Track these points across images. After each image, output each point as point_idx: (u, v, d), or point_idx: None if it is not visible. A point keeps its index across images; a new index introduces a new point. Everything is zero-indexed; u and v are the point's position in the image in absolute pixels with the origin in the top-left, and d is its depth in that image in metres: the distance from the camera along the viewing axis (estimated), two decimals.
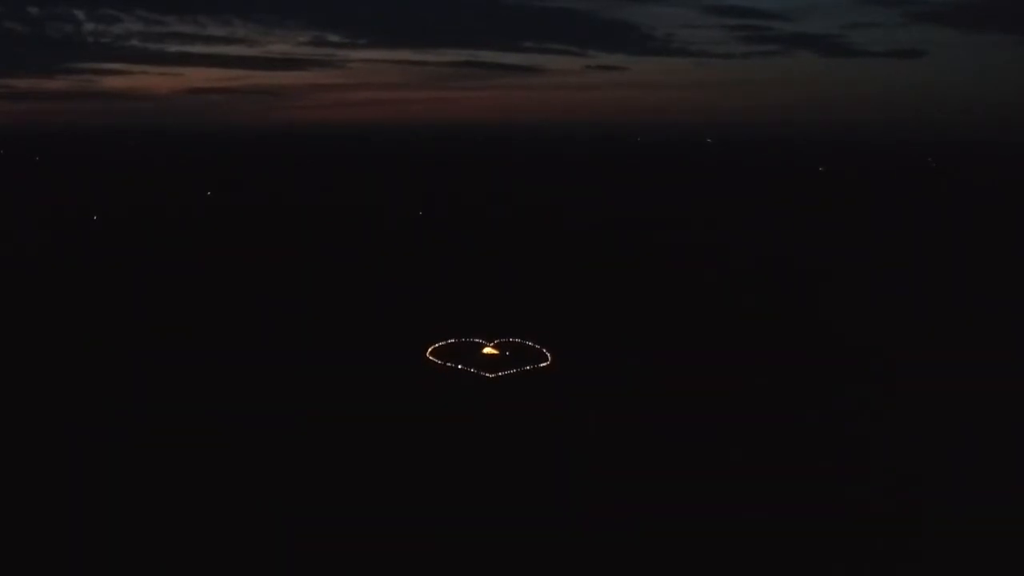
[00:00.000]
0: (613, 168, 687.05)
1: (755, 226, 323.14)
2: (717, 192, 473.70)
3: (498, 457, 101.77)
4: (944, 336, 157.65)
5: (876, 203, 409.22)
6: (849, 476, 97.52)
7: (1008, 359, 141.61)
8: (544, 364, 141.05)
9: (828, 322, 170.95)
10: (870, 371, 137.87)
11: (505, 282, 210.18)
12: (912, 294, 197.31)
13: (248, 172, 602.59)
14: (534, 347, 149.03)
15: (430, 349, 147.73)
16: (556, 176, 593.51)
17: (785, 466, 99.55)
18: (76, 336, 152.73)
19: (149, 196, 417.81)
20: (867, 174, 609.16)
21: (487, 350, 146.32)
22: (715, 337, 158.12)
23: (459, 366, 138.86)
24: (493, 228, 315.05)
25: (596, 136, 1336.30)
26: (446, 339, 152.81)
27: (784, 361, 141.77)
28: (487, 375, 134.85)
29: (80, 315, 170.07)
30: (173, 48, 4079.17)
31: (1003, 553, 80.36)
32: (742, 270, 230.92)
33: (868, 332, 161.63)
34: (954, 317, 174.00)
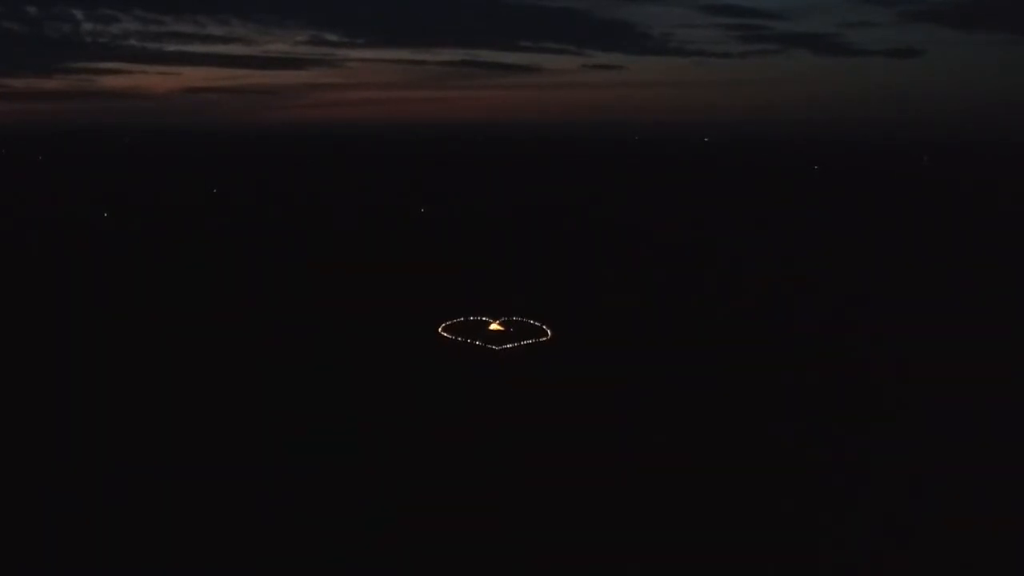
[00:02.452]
0: (610, 166, 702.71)
1: (746, 223, 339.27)
2: (712, 190, 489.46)
3: (503, 416, 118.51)
4: (940, 335, 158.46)
5: (865, 200, 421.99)
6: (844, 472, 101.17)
7: (1007, 358, 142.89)
8: (544, 339, 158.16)
9: (816, 314, 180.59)
10: (862, 366, 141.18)
11: (507, 270, 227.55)
12: (905, 292, 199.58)
13: (249, 171, 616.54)
14: (535, 324, 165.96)
15: (442, 326, 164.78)
16: (554, 174, 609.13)
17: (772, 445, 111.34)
18: (104, 329, 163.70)
19: (156, 194, 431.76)
20: (861, 173, 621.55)
21: (493, 326, 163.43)
22: (703, 323, 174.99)
23: (468, 340, 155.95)
24: (494, 223, 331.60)
25: (594, 134, 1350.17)
26: (456, 318, 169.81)
27: (770, 350, 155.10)
28: (493, 348, 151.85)
29: (109, 309, 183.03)
30: (171, 47, 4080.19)
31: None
32: (735, 266, 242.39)
33: (861, 328, 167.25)
34: (948, 315, 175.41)
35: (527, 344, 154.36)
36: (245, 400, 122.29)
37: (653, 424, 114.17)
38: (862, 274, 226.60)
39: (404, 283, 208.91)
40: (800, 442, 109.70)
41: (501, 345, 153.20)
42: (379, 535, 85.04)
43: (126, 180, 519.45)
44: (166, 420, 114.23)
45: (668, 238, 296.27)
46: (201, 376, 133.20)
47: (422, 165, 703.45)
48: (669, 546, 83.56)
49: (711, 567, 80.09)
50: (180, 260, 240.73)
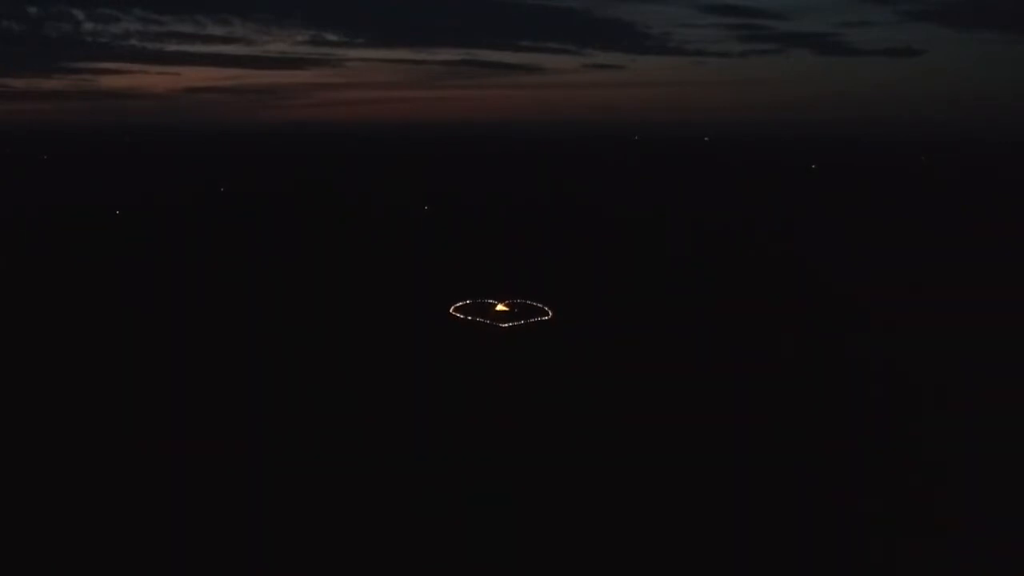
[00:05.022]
0: (611, 165, 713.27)
1: (744, 219, 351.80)
2: (711, 188, 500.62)
3: (508, 385, 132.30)
4: (941, 333, 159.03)
5: (863, 198, 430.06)
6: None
7: (1006, 354, 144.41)
8: (545, 318, 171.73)
9: (812, 308, 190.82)
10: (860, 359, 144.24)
11: (512, 260, 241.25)
12: (901, 291, 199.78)
13: (251, 170, 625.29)
14: (538, 306, 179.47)
15: (453, 307, 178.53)
16: (554, 172, 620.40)
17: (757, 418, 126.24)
18: (128, 323, 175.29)
19: (164, 193, 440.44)
20: (857, 172, 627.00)
21: (499, 307, 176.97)
22: (697, 311, 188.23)
23: (477, 319, 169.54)
24: (496, 219, 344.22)
25: (594, 134, 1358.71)
26: (465, 300, 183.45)
27: (758, 333, 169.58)
28: (500, 325, 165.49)
29: (132, 305, 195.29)
30: (171, 47, 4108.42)
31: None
32: (731, 260, 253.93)
33: (858, 324, 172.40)
34: (949, 314, 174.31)
35: (530, 322, 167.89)
36: (278, 370, 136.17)
37: (640, 391, 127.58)
38: (858, 269, 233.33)
39: (415, 271, 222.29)
40: (783, 419, 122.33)
41: (506, 323, 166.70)
42: (389, 500, 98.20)
43: (131, 179, 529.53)
44: (193, 399, 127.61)
45: (666, 233, 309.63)
46: (237, 352, 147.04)
47: (422, 165, 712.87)
48: (660, 524, 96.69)
49: (704, 548, 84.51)
50: (198, 253, 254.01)
